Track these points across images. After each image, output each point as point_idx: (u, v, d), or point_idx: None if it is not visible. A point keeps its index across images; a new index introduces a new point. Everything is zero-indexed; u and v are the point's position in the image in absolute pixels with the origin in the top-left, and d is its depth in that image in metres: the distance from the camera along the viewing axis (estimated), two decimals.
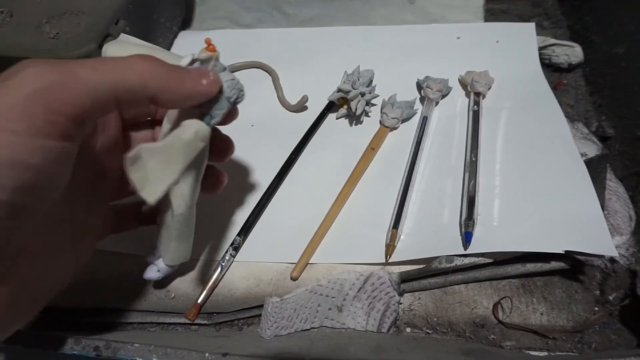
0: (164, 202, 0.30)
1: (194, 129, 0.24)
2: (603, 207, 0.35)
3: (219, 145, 0.30)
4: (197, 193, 0.30)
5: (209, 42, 0.25)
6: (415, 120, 0.43)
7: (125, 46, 0.28)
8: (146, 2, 0.44)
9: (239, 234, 0.36)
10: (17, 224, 0.19)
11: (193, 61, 0.26)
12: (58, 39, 0.36)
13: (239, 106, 0.29)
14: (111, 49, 0.28)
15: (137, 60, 0.21)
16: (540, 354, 0.30)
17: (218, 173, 0.31)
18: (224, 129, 0.31)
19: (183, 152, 0.23)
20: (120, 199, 0.31)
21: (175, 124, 0.26)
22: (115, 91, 0.20)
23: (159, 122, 0.30)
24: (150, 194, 0.21)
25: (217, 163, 0.31)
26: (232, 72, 0.44)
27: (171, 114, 0.27)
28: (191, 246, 0.32)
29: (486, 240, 0.33)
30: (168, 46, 0.51)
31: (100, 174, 0.27)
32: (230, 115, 0.28)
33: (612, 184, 0.37)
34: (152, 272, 0.32)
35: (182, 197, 0.29)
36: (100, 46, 0.36)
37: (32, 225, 0.21)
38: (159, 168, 0.22)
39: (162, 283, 0.34)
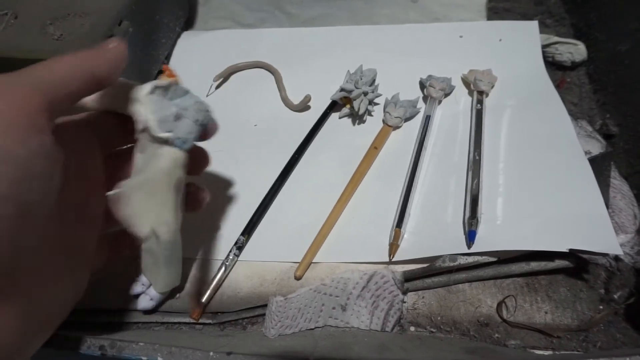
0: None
1: (171, 157, 0.24)
2: (607, 205, 0.34)
3: (195, 160, 0.30)
4: (180, 216, 0.30)
5: (166, 69, 0.26)
6: (418, 119, 0.43)
7: None
8: (149, 3, 0.44)
9: (242, 234, 0.36)
10: (22, 224, 0.20)
11: (154, 88, 0.26)
12: (62, 41, 0.36)
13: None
14: None
15: (66, 55, 0.22)
16: (545, 353, 0.30)
17: (200, 191, 0.32)
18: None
19: (165, 182, 0.24)
20: (109, 227, 0.31)
21: (148, 152, 0.26)
22: (68, 80, 0.21)
23: None
24: (142, 229, 0.22)
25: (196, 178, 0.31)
26: (235, 72, 0.45)
27: (142, 145, 0.26)
28: (181, 269, 0.32)
29: (490, 239, 0.33)
30: (171, 47, 0.52)
31: (87, 204, 0.28)
32: (210, 131, 0.29)
33: (617, 182, 0.37)
34: (145, 302, 0.32)
35: (167, 224, 0.29)
36: None
37: (36, 240, 0.22)
38: (144, 201, 0.22)
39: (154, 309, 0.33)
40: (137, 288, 0.32)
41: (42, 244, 0.23)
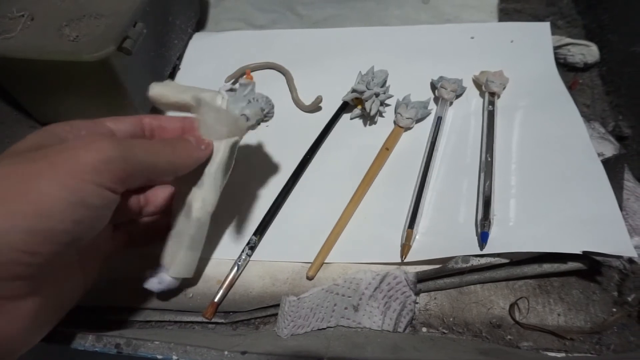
0: (179, 207, 0.31)
1: (238, 114, 0.30)
2: (621, 207, 0.34)
3: None
4: (215, 202, 0.31)
5: (248, 73, 0.33)
6: (430, 120, 0.43)
7: (168, 88, 0.32)
8: (162, 4, 0.44)
9: (254, 234, 0.36)
10: (69, 250, 0.23)
11: (235, 84, 0.32)
12: (78, 42, 0.37)
13: None
14: (157, 89, 0.32)
15: (171, 151, 0.28)
16: (558, 355, 0.30)
17: None
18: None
19: (227, 124, 0.30)
20: (123, 217, 0.33)
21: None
22: (155, 168, 0.27)
23: None
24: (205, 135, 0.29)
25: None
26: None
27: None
28: (197, 262, 0.33)
29: (502, 241, 0.33)
30: (183, 48, 0.52)
31: None
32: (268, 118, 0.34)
33: (630, 184, 0.37)
34: (153, 284, 0.32)
35: (203, 202, 0.30)
36: (119, 48, 0.37)
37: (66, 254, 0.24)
38: (210, 123, 0.29)
39: (171, 302, 0.34)
40: (151, 272, 0.32)
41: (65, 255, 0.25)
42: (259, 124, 0.33)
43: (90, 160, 0.22)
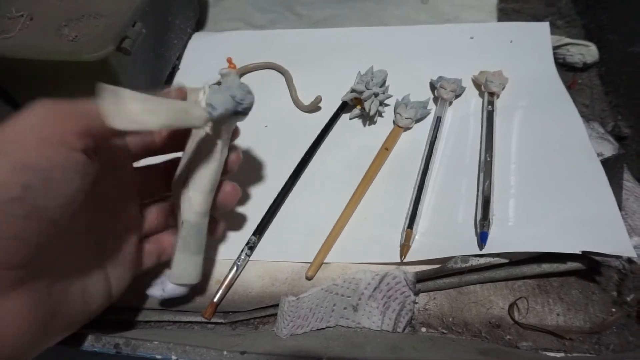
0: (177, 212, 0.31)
1: (189, 104, 0.26)
2: (620, 207, 0.34)
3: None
4: (208, 203, 0.30)
5: (229, 61, 0.31)
6: (429, 120, 0.43)
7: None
8: (161, 4, 0.44)
9: (254, 234, 0.36)
10: (35, 225, 0.21)
11: (219, 80, 0.30)
12: (77, 42, 0.37)
13: (254, 106, 0.31)
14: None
15: None
16: (557, 355, 0.30)
17: (233, 187, 0.33)
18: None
19: (168, 112, 0.24)
20: (141, 229, 0.32)
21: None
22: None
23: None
24: (118, 123, 0.22)
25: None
26: (246, 73, 0.47)
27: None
28: (200, 265, 0.31)
29: (502, 241, 0.33)
30: (182, 48, 0.52)
31: (119, 209, 0.29)
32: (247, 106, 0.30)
33: (629, 184, 0.37)
34: (156, 290, 0.31)
35: (190, 202, 0.29)
36: (118, 48, 0.37)
37: (57, 238, 0.23)
38: (137, 112, 0.23)
39: (169, 302, 0.33)
40: (154, 282, 0.32)
41: (63, 244, 0.24)
42: (242, 114, 0.30)
43: (26, 121, 0.21)
